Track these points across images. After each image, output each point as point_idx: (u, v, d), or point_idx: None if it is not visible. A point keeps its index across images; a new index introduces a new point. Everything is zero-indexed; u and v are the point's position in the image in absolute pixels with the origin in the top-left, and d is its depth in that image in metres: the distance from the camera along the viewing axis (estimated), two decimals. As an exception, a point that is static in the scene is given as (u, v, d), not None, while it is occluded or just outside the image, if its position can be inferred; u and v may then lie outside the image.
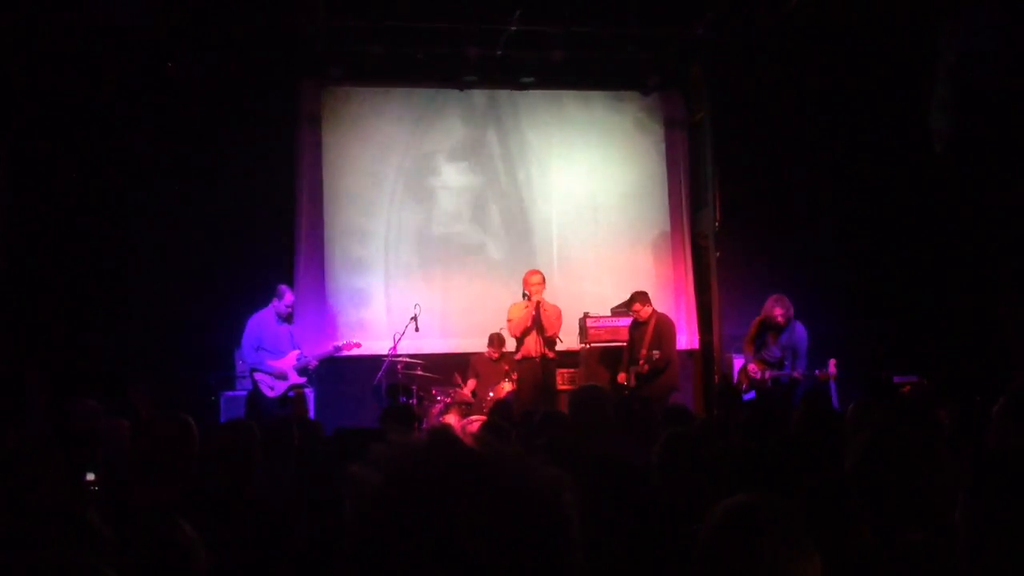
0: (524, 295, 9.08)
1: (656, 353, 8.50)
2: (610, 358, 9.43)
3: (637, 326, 8.97)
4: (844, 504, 2.29)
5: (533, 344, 8.86)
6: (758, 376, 8.39)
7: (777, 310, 8.37)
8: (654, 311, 8.96)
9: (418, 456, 1.06)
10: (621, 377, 8.81)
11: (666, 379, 8.61)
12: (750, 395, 8.48)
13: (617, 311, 9.75)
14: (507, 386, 9.01)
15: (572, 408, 4.87)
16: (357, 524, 1.04)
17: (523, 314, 8.89)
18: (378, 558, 1.02)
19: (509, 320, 9.06)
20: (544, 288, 8.94)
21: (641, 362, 8.61)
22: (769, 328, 8.48)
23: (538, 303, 8.80)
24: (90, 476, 3.51)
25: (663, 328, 8.78)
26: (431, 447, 1.07)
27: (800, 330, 8.46)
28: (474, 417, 8.54)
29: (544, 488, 1.05)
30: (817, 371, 8.22)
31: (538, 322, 8.80)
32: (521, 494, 1.03)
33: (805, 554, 1.71)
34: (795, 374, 8.25)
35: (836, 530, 2.21)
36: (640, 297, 8.98)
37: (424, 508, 1.01)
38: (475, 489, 1.02)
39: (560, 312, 9.06)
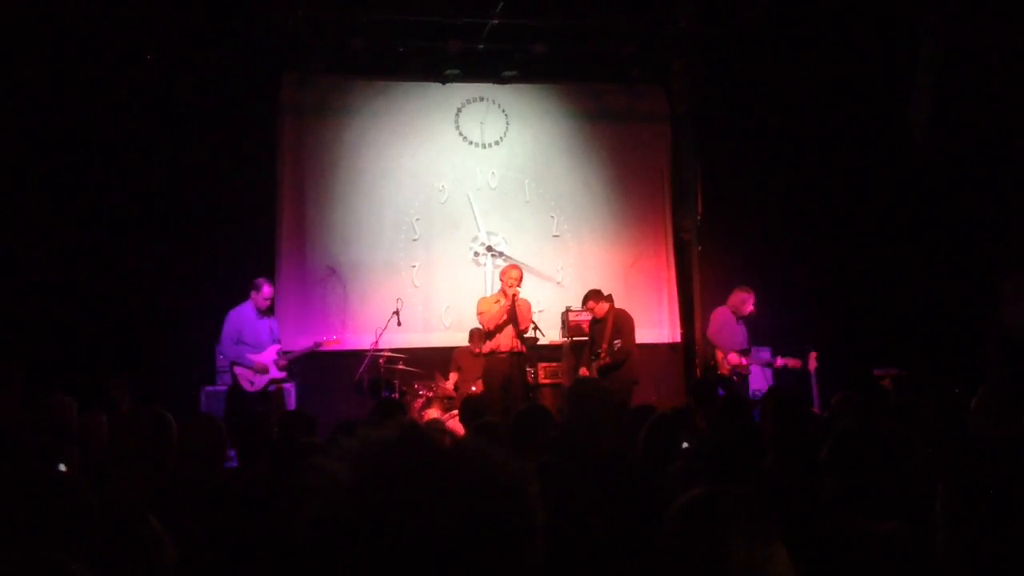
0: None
1: (617, 343, 8.63)
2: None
3: (596, 322, 9.07)
4: (817, 495, 2.29)
5: (506, 339, 8.82)
6: (739, 362, 8.64)
7: (751, 303, 8.86)
8: (611, 306, 9.02)
9: (386, 449, 1.07)
10: (583, 371, 8.87)
11: (626, 372, 8.71)
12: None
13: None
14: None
15: (573, 402, 4.80)
16: (323, 515, 1.04)
17: (498, 308, 8.82)
18: (344, 549, 1.02)
19: (480, 313, 8.95)
20: (520, 284, 8.90)
21: (603, 355, 8.72)
22: (740, 319, 8.79)
23: (514, 296, 8.77)
24: (62, 467, 3.49)
25: (621, 322, 8.89)
26: (399, 441, 1.08)
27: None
28: (457, 411, 8.57)
29: (510, 480, 1.06)
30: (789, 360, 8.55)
31: (513, 316, 8.76)
32: (487, 486, 1.05)
33: (767, 543, 1.70)
34: (776, 363, 8.69)
35: (809, 521, 2.21)
36: (593, 295, 9.10)
37: (391, 500, 1.02)
38: (442, 482, 1.03)
39: (530, 306, 9.07)
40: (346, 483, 1.04)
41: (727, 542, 1.68)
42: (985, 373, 8.57)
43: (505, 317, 8.73)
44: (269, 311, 8.63)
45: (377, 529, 1.01)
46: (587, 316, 9.64)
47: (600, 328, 8.97)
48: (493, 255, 10.52)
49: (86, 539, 1.92)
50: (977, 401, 4.17)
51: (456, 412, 8.51)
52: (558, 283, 10.61)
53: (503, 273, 8.97)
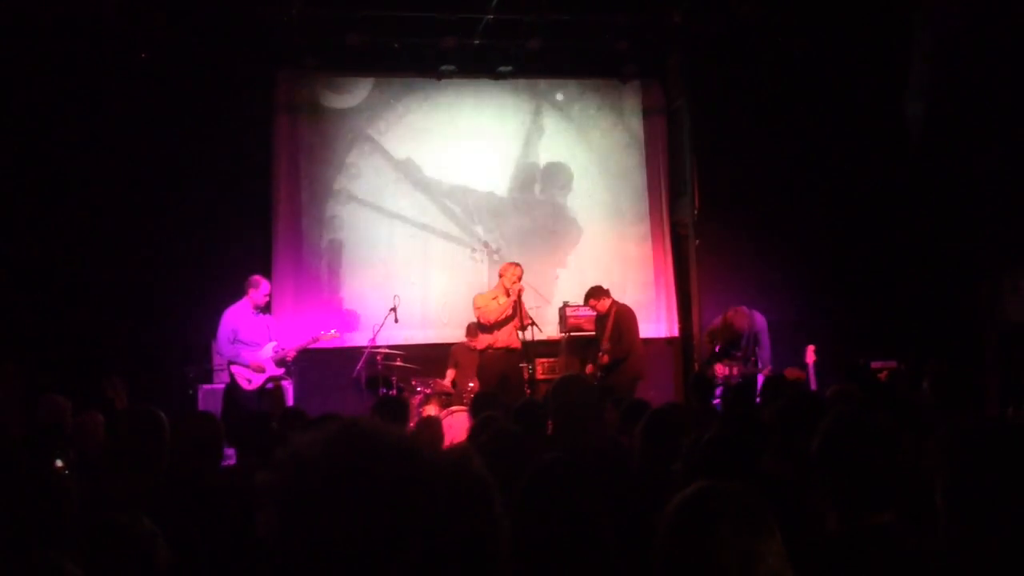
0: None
1: (605, 345, 8.68)
2: (588, 347, 9.45)
3: (600, 319, 9.05)
4: (809, 490, 2.29)
5: (504, 335, 8.82)
6: (726, 373, 8.54)
7: (740, 323, 8.71)
8: (613, 302, 9.01)
9: (306, 457, 1.08)
10: (589, 368, 8.90)
11: (629, 368, 8.69)
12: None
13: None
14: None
15: (553, 399, 4.77)
16: (275, 527, 1.05)
17: (500, 304, 8.83)
18: (295, 560, 1.02)
19: (478, 308, 8.97)
20: (521, 281, 8.93)
21: (600, 353, 8.70)
22: (732, 334, 8.73)
23: (519, 292, 8.79)
24: (58, 463, 3.49)
25: (621, 319, 8.87)
26: (328, 445, 1.09)
27: (759, 318, 8.73)
28: (455, 407, 8.56)
29: (441, 473, 1.06)
30: (786, 371, 8.31)
31: (519, 312, 8.78)
32: (414, 481, 1.06)
33: (763, 535, 1.70)
34: (760, 373, 8.46)
35: (802, 516, 2.20)
36: (594, 293, 9.06)
37: (330, 504, 1.03)
38: (366, 484, 1.04)
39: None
40: (276, 492, 1.06)
41: (718, 537, 1.68)
42: (984, 366, 8.59)
43: (510, 312, 8.74)
44: (266, 308, 8.62)
45: (307, 534, 1.02)
46: (585, 313, 9.65)
47: (602, 325, 8.97)
48: (490, 251, 10.51)
49: (72, 536, 1.92)
50: (928, 389, 4.26)
51: (454, 409, 8.52)
52: (556, 278, 10.61)
53: (504, 269, 8.97)
